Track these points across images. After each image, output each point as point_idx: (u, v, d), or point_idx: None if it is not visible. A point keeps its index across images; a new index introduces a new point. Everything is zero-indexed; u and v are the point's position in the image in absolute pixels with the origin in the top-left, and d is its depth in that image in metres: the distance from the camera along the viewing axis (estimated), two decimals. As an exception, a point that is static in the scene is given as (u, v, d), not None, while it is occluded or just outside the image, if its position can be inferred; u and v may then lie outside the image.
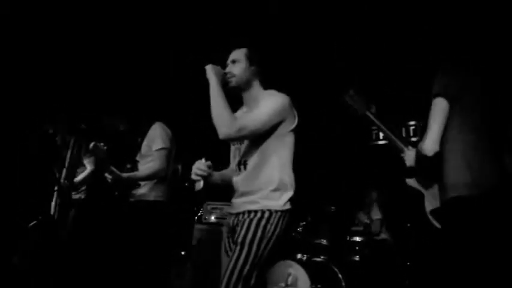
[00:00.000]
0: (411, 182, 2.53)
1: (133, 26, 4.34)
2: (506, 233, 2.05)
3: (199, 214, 4.64)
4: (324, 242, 3.87)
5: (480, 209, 2.06)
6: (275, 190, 2.10)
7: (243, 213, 2.12)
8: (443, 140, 2.16)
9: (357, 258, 3.79)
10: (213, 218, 4.55)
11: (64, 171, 3.51)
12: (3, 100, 4.65)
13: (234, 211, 2.21)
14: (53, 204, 3.95)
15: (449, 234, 2.15)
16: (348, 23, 4.21)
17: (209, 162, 2.10)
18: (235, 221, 2.16)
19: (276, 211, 2.06)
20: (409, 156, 2.44)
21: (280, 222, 2.07)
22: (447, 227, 2.21)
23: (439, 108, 2.15)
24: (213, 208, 4.61)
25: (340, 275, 3.56)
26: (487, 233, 2.05)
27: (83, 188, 3.97)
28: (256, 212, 2.07)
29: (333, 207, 4.03)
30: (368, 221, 3.92)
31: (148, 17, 4.23)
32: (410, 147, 2.48)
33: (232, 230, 2.17)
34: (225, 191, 2.37)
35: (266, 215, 2.05)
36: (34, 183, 4.33)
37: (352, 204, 4.30)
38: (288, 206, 2.11)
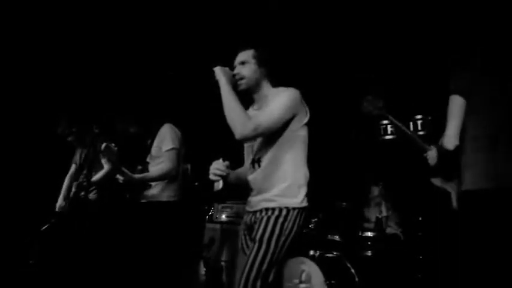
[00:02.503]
0: (437, 181, 2.55)
1: (141, 28, 4.36)
2: None
3: (210, 213, 4.65)
4: (336, 238, 3.89)
5: (497, 202, 2.06)
6: (291, 186, 2.12)
7: (260, 211, 2.13)
8: (462, 136, 2.19)
9: (369, 253, 3.80)
10: (224, 216, 4.57)
11: (84, 171, 3.54)
12: (9, 100, 4.70)
13: (251, 209, 2.22)
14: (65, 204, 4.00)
15: (463, 228, 2.15)
16: (354, 17, 4.20)
17: (227, 162, 2.12)
18: (253, 219, 2.18)
19: (294, 208, 2.08)
20: (432, 155, 2.47)
21: (298, 219, 2.08)
22: (461, 220, 2.20)
23: (456, 105, 2.19)
24: (223, 207, 4.63)
25: (352, 270, 3.57)
26: (503, 228, 2.03)
27: (93, 188, 3.99)
28: (273, 209, 2.08)
29: (344, 203, 4.04)
30: (380, 216, 3.93)
31: (156, 19, 4.25)
32: (432, 147, 2.51)
33: (250, 228, 2.18)
34: (233, 190, 2.38)
35: (284, 212, 2.06)
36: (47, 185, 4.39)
37: (362, 200, 4.31)
38: (305, 204, 2.12)
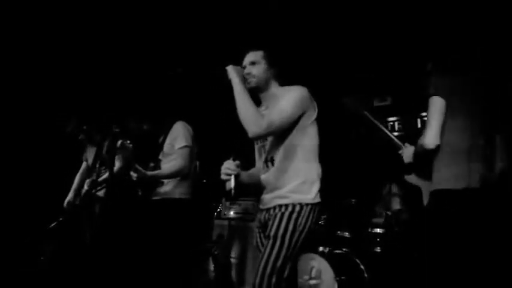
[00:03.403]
0: (410, 178, 2.70)
1: (150, 27, 4.38)
2: (486, 227, 2.19)
3: (219, 210, 4.69)
4: (346, 234, 3.91)
5: (464, 201, 2.21)
6: (303, 183, 2.15)
7: (274, 207, 2.16)
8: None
9: (378, 249, 3.81)
10: (232, 213, 4.61)
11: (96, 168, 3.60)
12: (16, 100, 4.74)
13: (265, 206, 2.25)
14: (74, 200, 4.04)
15: (431, 225, 2.30)
16: (355, 16, 4.20)
17: (238, 162, 2.15)
18: (267, 216, 2.21)
19: (307, 204, 2.11)
20: (407, 153, 2.64)
21: (311, 215, 2.11)
22: (430, 216, 2.35)
23: (437, 106, 2.29)
24: (231, 204, 4.66)
25: (362, 267, 3.59)
26: (470, 226, 2.19)
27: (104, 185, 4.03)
28: (287, 206, 2.11)
29: (353, 200, 4.06)
30: (389, 213, 3.93)
31: (162, 18, 4.27)
32: (407, 144, 2.70)
33: (264, 225, 2.22)
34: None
35: (297, 208, 2.09)
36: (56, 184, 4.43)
37: (371, 196, 4.30)
38: (317, 199, 2.15)
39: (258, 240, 2.29)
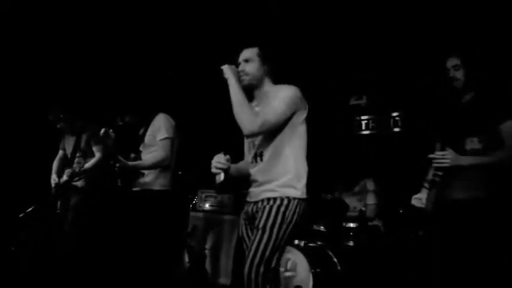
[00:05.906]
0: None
1: (137, 21, 4.35)
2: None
3: (194, 202, 4.71)
4: (321, 228, 4.01)
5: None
6: (292, 179, 2.21)
7: (262, 200, 2.22)
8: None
9: (351, 243, 3.93)
10: (207, 205, 4.65)
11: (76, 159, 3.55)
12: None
13: (253, 199, 2.31)
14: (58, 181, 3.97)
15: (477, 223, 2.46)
16: (347, 16, 4.27)
17: (228, 156, 2.21)
18: (255, 208, 2.26)
19: (294, 198, 2.18)
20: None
21: (298, 209, 2.18)
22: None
23: None
24: (207, 196, 4.70)
25: (335, 259, 3.70)
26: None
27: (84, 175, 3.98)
28: (275, 199, 2.17)
29: (329, 195, 4.17)
30: (364, 208, 4.06)
31: (155, 12, 4.24)
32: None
33: (252, 217, 2.28)
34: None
35: (285, 202, 2.16)
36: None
37: (347, 191, 4.42)
38: (304, 195, 2.23)
39: (244, 231, 2.35)
